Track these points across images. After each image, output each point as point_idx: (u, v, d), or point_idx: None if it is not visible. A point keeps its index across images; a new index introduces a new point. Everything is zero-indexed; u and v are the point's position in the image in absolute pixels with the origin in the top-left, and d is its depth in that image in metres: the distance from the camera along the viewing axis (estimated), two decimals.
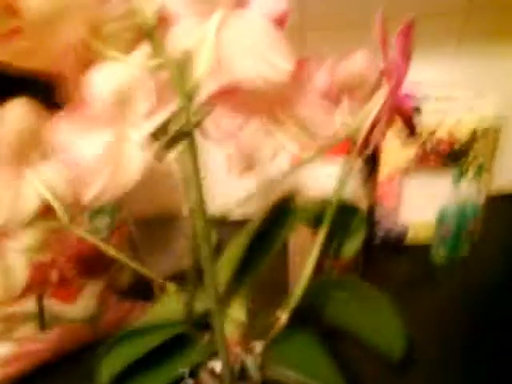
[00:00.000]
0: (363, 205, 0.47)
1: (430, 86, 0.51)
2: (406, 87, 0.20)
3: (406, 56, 0.19)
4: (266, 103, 0.21)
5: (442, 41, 0.56)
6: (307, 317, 0.31)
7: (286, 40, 0.17)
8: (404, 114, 0.21)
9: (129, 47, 0.18)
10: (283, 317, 0.28)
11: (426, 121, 0.50)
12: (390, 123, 0.21)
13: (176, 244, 0.58)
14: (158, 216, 0.63)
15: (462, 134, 0.50)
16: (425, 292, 0.52)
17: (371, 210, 0.56)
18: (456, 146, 0.51)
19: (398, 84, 0.19)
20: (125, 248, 0.46)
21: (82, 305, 0.41)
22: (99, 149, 0.19)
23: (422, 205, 0.56)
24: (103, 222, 0.42)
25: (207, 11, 0.16)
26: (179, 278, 0.28)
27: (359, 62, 0.19)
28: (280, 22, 0.17)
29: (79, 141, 0.19)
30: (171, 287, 0.25)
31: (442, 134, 0.50)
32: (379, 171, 0.54)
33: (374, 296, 0.32)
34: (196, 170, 0.20)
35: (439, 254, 0.54)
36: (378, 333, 0.31)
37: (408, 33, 0.18)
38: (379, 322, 0.31)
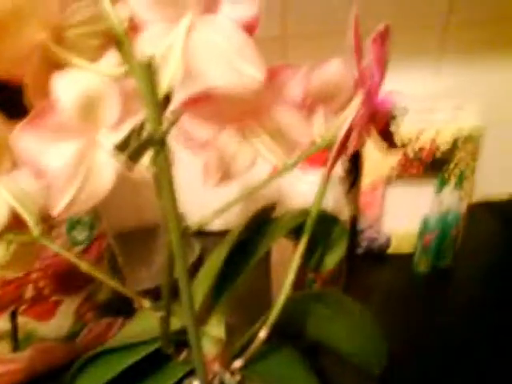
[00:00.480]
0: (345, 215, 0.46)
1: (411, 97, 0.51)
2: (385, 97, 0.20)
3: (382, 64, 0.18)
4: (239, 111, 0.20)
5: (423, 53, 0.57)
6: (288, 332, 0.30)
7: (256, 48, 0.16)
8: (380, 125, 0.20)
9: (95, 53, 0.17)
10: (263, 333, 0.27)
11: (408, 129, 0.50)
12: (367, 132, 0.20)
13: (158, 256, 0.57)
14: (139, 227, 0.62)
15: (444, 142, 0.50)
16: (408, 301, 0.52)
17: (354, 220, 0.56)
18: (438, 155, 0.51)
19: (373, 92, 0.18)
20: (104, 261, 0.45)
21: (58, 322, 0.39)
22: (68, 158, 0.18)
23: (404, 214, 0.55)
24: (82, 234, 0.41)
25: (176, 17, 0.16)
26: (160, 292, 0.27)
27: (334, 70, 0.19)
28: (250, 28, 0.16)
29: (46, 149, 0.18)
30: (146, 303, 0.25)
31: (423, 142, 0.50)
32: (362, 180, 0.53)
33: (356, 311, 0.31)
34: (169, 180, 0.19)
35: (422, 263, 0.54)
36: (359, 348, 0.30)
37: (383, 39, 0.18)
38: (361, 338, 0.31)
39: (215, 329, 0.29)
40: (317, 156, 0.42)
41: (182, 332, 0.25)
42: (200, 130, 0.21)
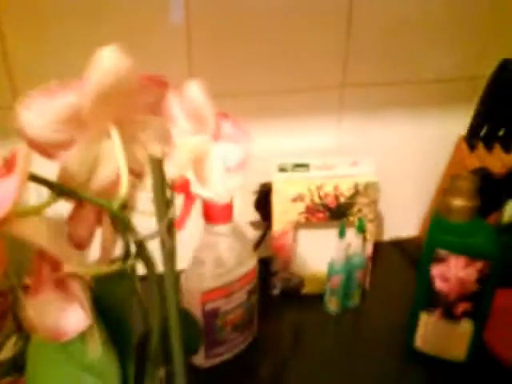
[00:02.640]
0: (254, 258, 0.48)
1: (313, 152, 0.56)
2: None
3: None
4: None
5: (323, 113, 0.62)
6: None
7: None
8: None
9: None
10: None
11: (311, 181, 0.53)
12: None
13: None
14: None
15: (346, 189, 0.54)
16: (318, 340, 0.54)
17: (268, 262, 0.58)
18: (341, 201, 0.55)
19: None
20: (9, 317, 0.44)
21: None
22: None
23: (314, 256, 0.58)
24: None
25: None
26: None
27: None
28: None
29: None
30: None
31: (328, 190, 0.54)
32: (273, 226, 0.56)
33: None
34: None
35: (332, 304, 0.57)
36: None
37: None
38: None
39: None
40: (220, 211, 0.44)
41: None
42: None
